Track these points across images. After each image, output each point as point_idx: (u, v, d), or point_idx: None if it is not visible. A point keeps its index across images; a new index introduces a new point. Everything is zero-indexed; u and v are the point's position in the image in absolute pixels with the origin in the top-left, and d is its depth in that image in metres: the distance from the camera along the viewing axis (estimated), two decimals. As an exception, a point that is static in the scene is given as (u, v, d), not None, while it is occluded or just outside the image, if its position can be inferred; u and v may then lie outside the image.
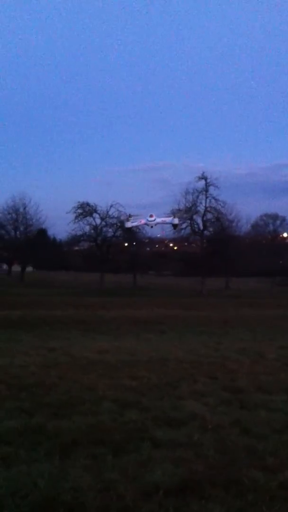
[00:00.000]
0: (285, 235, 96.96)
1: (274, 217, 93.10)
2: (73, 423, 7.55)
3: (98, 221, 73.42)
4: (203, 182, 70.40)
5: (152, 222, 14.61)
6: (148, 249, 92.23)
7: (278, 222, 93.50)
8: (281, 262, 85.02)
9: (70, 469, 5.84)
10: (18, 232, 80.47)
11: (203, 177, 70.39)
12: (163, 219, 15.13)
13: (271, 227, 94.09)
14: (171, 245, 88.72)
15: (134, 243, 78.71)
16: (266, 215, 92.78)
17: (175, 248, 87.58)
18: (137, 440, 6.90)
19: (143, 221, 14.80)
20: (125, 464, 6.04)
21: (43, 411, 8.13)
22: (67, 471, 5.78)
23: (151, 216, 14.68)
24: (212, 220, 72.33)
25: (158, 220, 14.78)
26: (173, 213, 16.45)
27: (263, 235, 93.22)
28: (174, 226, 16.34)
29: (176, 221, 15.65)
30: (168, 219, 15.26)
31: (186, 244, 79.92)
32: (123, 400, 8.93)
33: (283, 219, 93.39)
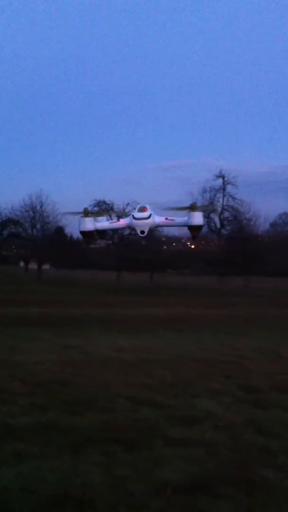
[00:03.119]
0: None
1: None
2: (86, 420, 7.58)
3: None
4: (220, 180, 70.24)
5: (143, 223, 7.92)
6: (165, 247, 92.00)
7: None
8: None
9: (81, 466, 5.86)
10: (35, 230, 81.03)
11: (221, 176, 70.34)
12: (171, 218, 8.20)
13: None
14: (188, 244, 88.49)
15: (152, 242, 78.54)
16: (285, 213, 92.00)
17: (193, 246, 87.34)
18: (150, 437, 6.90)
19: (122, 222, 8.60)
20: (136, 461, 6.04)
21: (57, 408, 8.16)
22: (78, 468, 5.80)
23: (143, 209, 7.94)
24: (230, 218, 72.14)
25: (158, 219, 8.05)
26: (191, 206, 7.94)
27: (283, 234, 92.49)
28: (194, 231, 8.22)
29: (198, 220, 7.92)
30: (181, 219, 8.14)
31: (203, 242, 79.71)
32: (137, 398, 8.93)
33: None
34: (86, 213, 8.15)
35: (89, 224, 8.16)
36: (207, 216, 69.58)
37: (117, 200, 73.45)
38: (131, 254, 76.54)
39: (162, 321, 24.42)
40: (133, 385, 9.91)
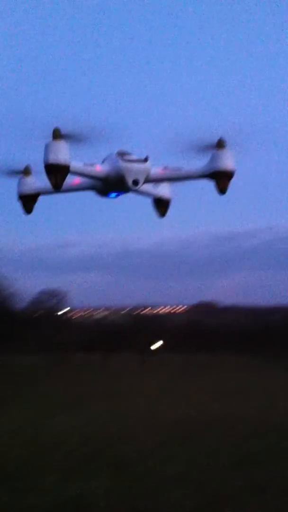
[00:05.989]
0: (64, 310, 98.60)
1: (54, 292, 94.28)
2: None
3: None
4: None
5: (138, 169, 5.29)
6: None
7: (58, 297, 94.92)
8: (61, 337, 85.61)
9: None
10: None
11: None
12: (174, 168, 5.77)
13: (51, 303, 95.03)
14: None
15: None
16: (46, 290, 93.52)
17: None
18: None
19: (99, 168, 5.58)
20: None
21: None
22: None
23: (124, 155, 5.36)
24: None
25: (153, 170, 5.53)
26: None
27: (43, 310, 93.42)
28: (223, 180, 5.61)
29: (231, 164, 5.63)
30: (192, 168, 5.80)
31: None
32: None
33: (64, 295, 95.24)
34: (27, 171, 6.41)
35: (29, 184, 6.35)
36: None
37: None
38: None
39: None
40: None
